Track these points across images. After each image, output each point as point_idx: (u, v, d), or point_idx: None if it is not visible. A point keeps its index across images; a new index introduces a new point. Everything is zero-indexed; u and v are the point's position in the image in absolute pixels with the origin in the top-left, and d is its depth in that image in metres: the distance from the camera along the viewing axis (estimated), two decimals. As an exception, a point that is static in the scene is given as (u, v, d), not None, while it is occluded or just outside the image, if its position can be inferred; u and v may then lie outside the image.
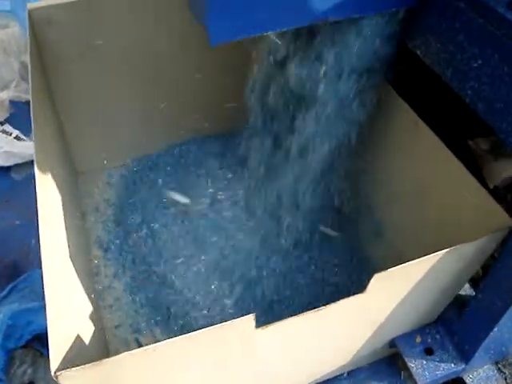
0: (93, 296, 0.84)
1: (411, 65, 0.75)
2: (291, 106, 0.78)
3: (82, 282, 0.74)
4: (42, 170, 0.68)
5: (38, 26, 0.95)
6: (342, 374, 0.87)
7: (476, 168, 1.01)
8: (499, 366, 0.87)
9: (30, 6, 0.96)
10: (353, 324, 0.66)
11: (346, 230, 0.97)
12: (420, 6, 0.66)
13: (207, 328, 0.50)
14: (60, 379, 0.47)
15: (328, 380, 0.85)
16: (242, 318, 0.51)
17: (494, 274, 0.66)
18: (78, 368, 0.47)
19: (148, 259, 0.97)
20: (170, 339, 0.49)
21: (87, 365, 0.47)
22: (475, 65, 0.59)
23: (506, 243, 0.63)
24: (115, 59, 1.01)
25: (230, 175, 1.08)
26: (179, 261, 0.96)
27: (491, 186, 0.98)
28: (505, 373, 0.88)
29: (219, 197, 1.03)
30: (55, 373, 0.47)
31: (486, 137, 0.95)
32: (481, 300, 0.71)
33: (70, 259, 0.69)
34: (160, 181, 1.10)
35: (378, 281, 0.56)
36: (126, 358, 0.48)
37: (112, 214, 1.10)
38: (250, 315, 0.51)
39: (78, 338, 0.57)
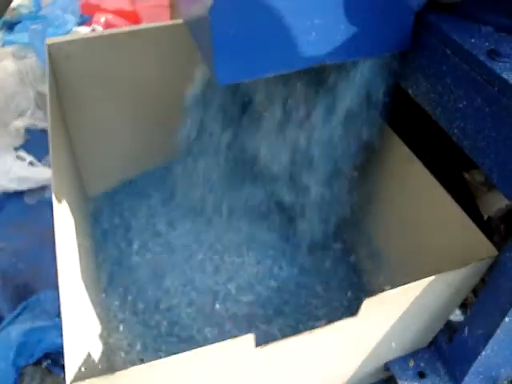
0: (101, 315, 0.88)
1: (406, 102, 0.80)
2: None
3: (92, 302, 0.79)
4: (58, 195, 0.73)
5: (55, 59, 1.01)
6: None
7: (471, 199, 1.06)
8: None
9: (49, 40, 1.03)
10: (346, 346, 0.70)
11: (345, 255, 1.01)
12: (412, 50, 0.71)
13: (208, 346, 0.54)
14: (72, 389, 0.51)
15: None
16: (241, 337, 0.55)
17: (481, 301, 0.70)
18: (89, 380, 0.51)
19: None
20: (173, 356, 0.53)
21: (99, 377, 0.51)
22: (460, 105, 0.64)
23: (491, 272, 0.67)
24: (123, 90, 1.08)
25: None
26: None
27: (485, 217, 1.02)
28: None
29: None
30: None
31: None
32: (469, 325, 0.75)
33: (81, 280, 0.74)
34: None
35: (369, 305, 0.60)
36: (133, 371, 0.52)
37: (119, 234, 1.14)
38: (250, 335, 0.55)
39: (89, 354, 0.62)
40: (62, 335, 0.85)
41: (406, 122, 0.86)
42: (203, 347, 0.54)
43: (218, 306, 0.95)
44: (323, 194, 0.87)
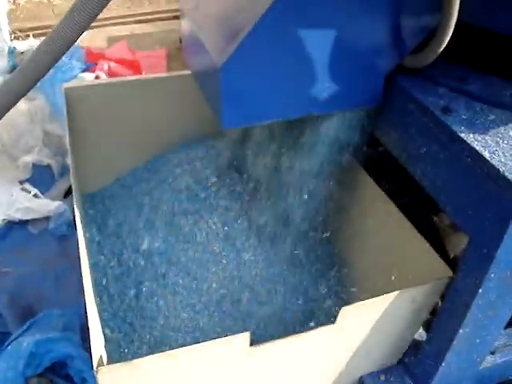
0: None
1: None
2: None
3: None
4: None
5: (71, 101, 1.14)
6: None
7: (438, 239, 1.19)
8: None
9: (65, 85, 1.17)
10: (326, 351, 0.81)
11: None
12: (383, 106, 0.86)
13: (207, 342, 0.65)
14: (98, 373, 0.61)
15: None
16: (238, 334, 0.66)
17: (439, 318, 0.83)
18: (111, 365, 0.62)
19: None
20: (177, 349, 0.64)
21: (118, 363, 0.62)
22: (421, 151, 0.79)
23: (447, 291, 0.80)
24: (124, 126, 1.22)
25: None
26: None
27: (451, 256, 1.14)
28: None
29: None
30: (96, 368, 0.61)
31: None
32: (430, 340, 0.87)
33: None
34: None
35: (346, 312, 0.72)
36: (149, 360, 0.63)
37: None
38: (246, 333, 0.66)
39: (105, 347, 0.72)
40: (71, 345, 0.95)
41: (385, 169, 1.01)
42: (202, 343, 0.65)
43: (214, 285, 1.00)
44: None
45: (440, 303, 0.85)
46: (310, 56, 0.75)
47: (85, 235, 0.87)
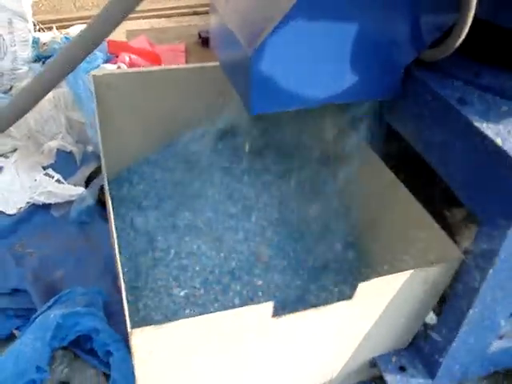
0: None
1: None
2: None
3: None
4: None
5: (98, 88, 1.20)
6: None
7: (450, 234, 1.23)
8: (460, 386, 1.06)
9: (93, 72, 1.22)
10: (342, 327, 0.85)
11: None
12: (401, 97, 0.90)
13: (230, 310, 0.70)
14: (133, 334, 0.66)
15: None
16: (261, 304, 0.71)
17: (450, 300, 0.87)
18: (144, 328, 0.66)
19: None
20: (203, 315, 0.69)
21: (152, 325, 0.67)
22: (438, 140, 0.83)
23: (458, 274, 0.84)
24: (150, 116, 1.28)
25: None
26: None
27: (462, 249, 1.18)
28: None
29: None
30: (130, 329, 0.66)
31: (460, 207, 1.18)
32: (441, 323, 0.91)
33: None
34: None
35: (362, 289, 0.76)
36: (179, 323, 0.68)
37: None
38: (270, 302, 0.71)
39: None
40: (96, 319, 1.00)
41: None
42: (225, 311, 0.69)
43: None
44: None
45: (450, 289, 0.89)
46: (334, 48, 0.79)
47: (114, 211, 0.92)
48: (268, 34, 0.74)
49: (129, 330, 0.66)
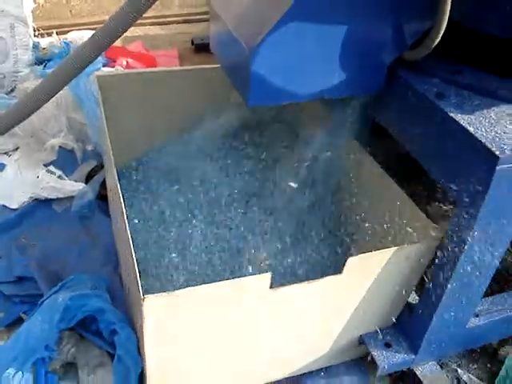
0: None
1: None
2: None
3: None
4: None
5: (102, 89, 1.27)
6: (321, 371, 1.13)
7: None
8: (441, 363, 1.14)
9: (97, 73, 1.30)
10: (333, 301, 0.93)
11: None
12: (384, 93, 0.99)
13: (229, 280, 0.77)
14: (145, 300, 0.73)
15: (310, 373, 1.12)
16: (259, 275, 0.78)
17: (429, 279, 0.96)
18: (157, 294, 0.74)
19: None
20: (209, 284, 0.77)
21: (163, 293, 0.74)
22: (418, 131, 0.92)
23: (437, 251, 0.92)
24: (152, 114, 1.35)
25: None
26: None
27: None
28: (446, 367, 1.16)
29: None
30: (143, 296, 0.73)
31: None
32: (423, 301, 1.00)
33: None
34: None
35: (351, 264, 0.84)
36: (189, 291, 0.75)
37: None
38: (267, 274, 0.79)
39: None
40: (101, 300, 1.07)
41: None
42: (224, 281, 0.77)
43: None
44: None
45: (431, 267, 0.97)
46: (324, 47, 0.88)
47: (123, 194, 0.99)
48: (265, 35, 0.82)
49: (141, 296, 0.73)
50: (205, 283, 0.77)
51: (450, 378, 1.15)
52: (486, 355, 1.21)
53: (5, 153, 1.67)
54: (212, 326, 0.85)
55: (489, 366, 1.20)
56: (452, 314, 1.00)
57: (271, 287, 0.82)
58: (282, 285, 0.83)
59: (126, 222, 0.90)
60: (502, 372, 1.15)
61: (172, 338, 0.83)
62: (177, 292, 0.75)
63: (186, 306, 0.78)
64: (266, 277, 0.79)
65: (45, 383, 1.04)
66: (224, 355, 0.93)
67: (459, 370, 1.18)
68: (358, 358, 1.16)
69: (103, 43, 0.94)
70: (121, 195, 0.95)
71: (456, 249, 0.88)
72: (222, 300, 0.80)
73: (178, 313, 0.78)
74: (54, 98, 1.65)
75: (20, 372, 1.00)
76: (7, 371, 0.99)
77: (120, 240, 1.12)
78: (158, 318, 0.77)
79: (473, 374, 1.17)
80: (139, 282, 0.76)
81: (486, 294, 1.04)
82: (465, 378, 1.16)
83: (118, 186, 0.98)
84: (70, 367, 1.12)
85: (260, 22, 0.86)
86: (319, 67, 0.90)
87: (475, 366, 1.20)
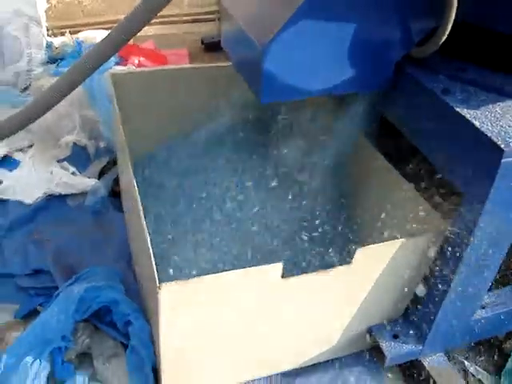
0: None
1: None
2: None
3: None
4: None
5: (116, 86, 1.30)
6: (333, 361, 1.16)
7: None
8: (448, 355, 1.16)
9: (111, 71, 1.33)
10: (343, 291, 0.95)
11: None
12: (392, 89, 1.01)
13: (240, 269, 0.80)
14: (161, 287, 0.76)
15: (321, 363, 1.14)
16: (271, 265, 0.81)
17: (436, 270, 0.98)
18: (172, 282, 0.76)
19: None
20: (224, 272, 0.80)
21: (179, 280, 0.77)
22: (423, 126, 0.94)
23: (444, 243, 0.95)
24: (164, 111, 1.38)
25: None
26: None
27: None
28: (453, 359, 1.18)
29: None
30: (158, 284, 0.76)
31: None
32: (428, 293, 1.02)
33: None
34: None
35: (360, 254, 0.87)
36: (201, 280, 0.78)
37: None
38: (279, 263, 0.81)
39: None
40: (116, 291, 1.09)
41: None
42: (235, 270, 0.80)
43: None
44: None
45: (438, 259, 0.99)
46: (334, 45, 0.90)
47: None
48: (277, 32, 0.85)
49: (157, 284, 0.76)
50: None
51: (457, 370, 1.17)
52: (492, 348, 1.23)
53: (20, 149, 1.71)
54: (224, 315, 0.87)
55: (495, 358, 1.22)
56: (458, 305, 1.02)
57: (283, 277, 0.84)
58: (294, 275, 0.85)
59: (142, 209, 0.93)
60: (509, 364, 1.17)
61: (186, 326, 0.86)
62: (191, 280, 0.78)
63: (199, 295, 0.81)
64: (278, 267, 0.82)
65: (61, 372, 1.08)
66: (236, 344, 0.96)
67: (466, 362, 1.20)
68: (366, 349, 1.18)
69: (119, 42, 0.97)
70: (136, 189, 0.98)
71: (462, 241, 0.90)
72: (234, 288, 0.83)
73: (192, 301, 0.81)
74: (67, 96, 1.72)
75: (38, 360, 1.03)
76: (25, 359, 1.02)
77: (134, 231, 1.14)
78: (174, 306, 0.80)
79: (479, 366, 1.19)
80: (155, 269, 0.78)
81: (494, 287, 1.07)
82: (472, 369, 1.18)
83: (134, 181, 1.00)
84: (85, 357, 1.15)
85: (272, 19, 0.88)
86: (329, 63, 0.92)
87: (482, 358, 1.22)
